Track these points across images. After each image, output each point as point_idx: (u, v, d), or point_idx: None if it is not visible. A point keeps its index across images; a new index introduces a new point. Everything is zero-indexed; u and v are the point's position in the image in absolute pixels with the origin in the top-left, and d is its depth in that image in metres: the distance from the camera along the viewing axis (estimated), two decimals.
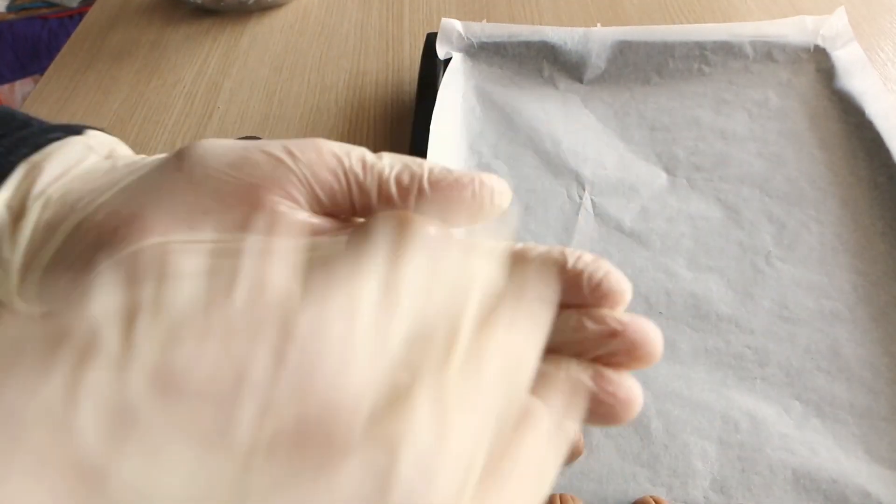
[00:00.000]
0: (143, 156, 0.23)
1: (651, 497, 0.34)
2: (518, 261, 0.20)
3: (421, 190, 0.19)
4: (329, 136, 0.59)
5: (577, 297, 0.18)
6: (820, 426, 0.38)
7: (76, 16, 1.43)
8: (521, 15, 0.71)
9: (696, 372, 0.40)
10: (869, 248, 0.46)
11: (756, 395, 0.39)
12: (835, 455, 0.36)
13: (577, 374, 0.17)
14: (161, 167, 0.21)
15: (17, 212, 0.21)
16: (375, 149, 0.22)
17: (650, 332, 0.18)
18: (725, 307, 0.43)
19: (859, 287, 0.44)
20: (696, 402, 0.39)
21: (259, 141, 0.21)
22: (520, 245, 0.20)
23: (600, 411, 0.17)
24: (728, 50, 0.59)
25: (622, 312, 0.18)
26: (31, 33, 1.43)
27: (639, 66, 0.60)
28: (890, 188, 0.48)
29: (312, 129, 0.60)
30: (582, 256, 0.19)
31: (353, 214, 0.20)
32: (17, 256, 0.21)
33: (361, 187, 0.20)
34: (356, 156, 0.20)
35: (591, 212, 0.50)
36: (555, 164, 0.53)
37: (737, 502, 0.35)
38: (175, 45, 0.72)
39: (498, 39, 0.61)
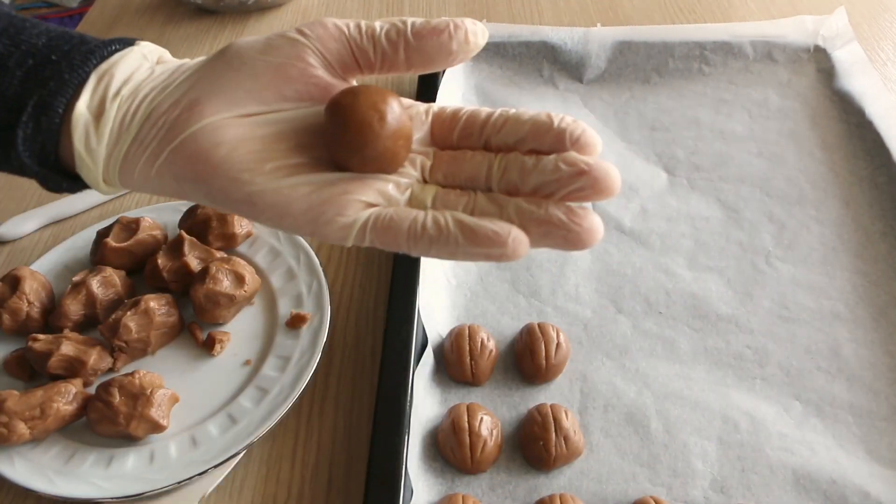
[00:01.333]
0: (186, 59, 0.29)
1: (651, 497, 0.34)
2: (509, 121, 0.25)
3: (406, 41, 0.25)
4: None
5: (560, 148, 0.24)
6: (820, 426, 0.38)
7: (76, 15, 1.43)
8: (521, 15, 0.71)
9: (696, 372, 0.40)
10: (869, 248, 0.46)
11: (756, 395, 0.39)
12: (834, 455, 0.36)
13: (553, 209, 0.23)
14: (208, 62, 0.27)
15: (98, 111, 0.26)
16: None
17: (610, 171, 0.23)
18: (725, 307, 0.43)
19: (859, 287, 0.44)
20: (695, 401, 0.39)
21: (278, 31, 0.26)
22: (511, 110, 0.25)
23: (570, 238, 0.22)
24: (728, 50, 0.59)
25: (588, 156, 0.23)
26: None
27: (639, 66, 0.60)
28: (890, 188, 0.48)
29: None
30: (565, 118, 0.24)
31: (360, 71, 0.26)
32: (101, 148, 0.26)
33: (360, 48, 0.25)
34: (353, 24, 0.26)
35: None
36: None
37: (737, 502, 0.35)
38: (175, 44, 0.72)
39: (498, 39, 0.61)
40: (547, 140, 0.24)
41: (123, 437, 0.38)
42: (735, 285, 0.45)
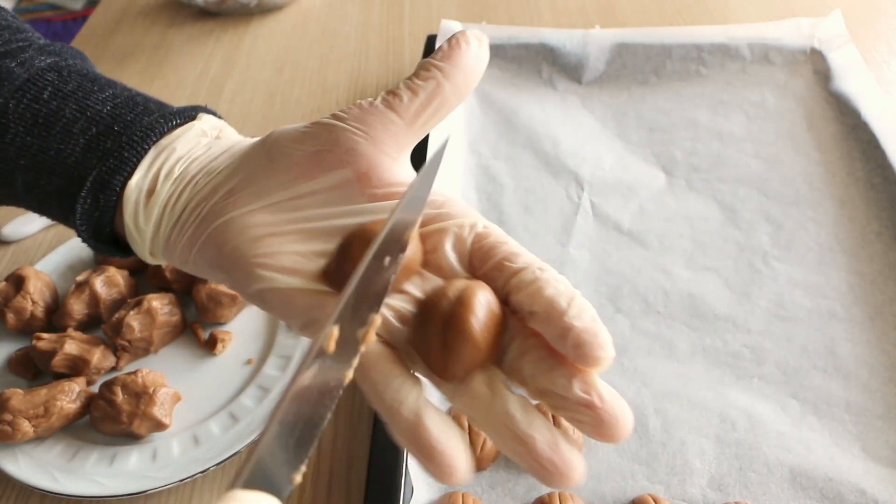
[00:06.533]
0: (242, 138, 0.30)
1: (649, 495, 0.35)
2: (533, 285, 0.21)
3: (442, 69, 0.25)
4: None
5: (560, 344, 0.20)
6: (816, 424, 0.38)
7: (80, 18, 1.44)
8: (521, 17, 0.72)
9: (694, 370, 0.41)
10: (865, 248, 0.46)
11: (753, 394, 0.39)
12: (831, 453, 0.37)
13: (542, 433, 0.20)
14: (250, 151, 0.27)
15: (150, 188, 0.27)
16: None
17: (620, 417, 0.19)
18: (723, 306, 0.44)
19: (855, 286, 0.44)
20: (693, 400, 0.39)
21: (315, 120, 0.26)
22: (546, 273, 0.22)
23: (541, 473, 0.20)
24: (725, 52, 0.59)
25: (607, 387, 0.20)
26: None
27: (637, 67, 0.60)
28: (886, 189, 0.48)
29: None
30: (583, 314, 0.20)
31: (408, 127, 0.25)
32: (149, 227, 0.27)
33: (402, 111, 0.25)
34: (384, 92, 0.26)
35: (590, 212, 0.50)
36: (554, 165, 0.54)
37: (734, 500, 0.35)
38: (178, 47, 0.72)
39: (497, 41, 0.61)
40: (552, 328, 0.20)
41: (126, 436, 0.38)
42: (733, 285, 0.45)
